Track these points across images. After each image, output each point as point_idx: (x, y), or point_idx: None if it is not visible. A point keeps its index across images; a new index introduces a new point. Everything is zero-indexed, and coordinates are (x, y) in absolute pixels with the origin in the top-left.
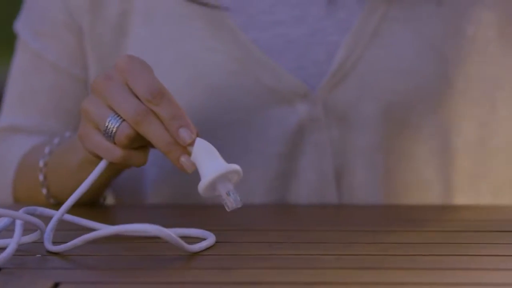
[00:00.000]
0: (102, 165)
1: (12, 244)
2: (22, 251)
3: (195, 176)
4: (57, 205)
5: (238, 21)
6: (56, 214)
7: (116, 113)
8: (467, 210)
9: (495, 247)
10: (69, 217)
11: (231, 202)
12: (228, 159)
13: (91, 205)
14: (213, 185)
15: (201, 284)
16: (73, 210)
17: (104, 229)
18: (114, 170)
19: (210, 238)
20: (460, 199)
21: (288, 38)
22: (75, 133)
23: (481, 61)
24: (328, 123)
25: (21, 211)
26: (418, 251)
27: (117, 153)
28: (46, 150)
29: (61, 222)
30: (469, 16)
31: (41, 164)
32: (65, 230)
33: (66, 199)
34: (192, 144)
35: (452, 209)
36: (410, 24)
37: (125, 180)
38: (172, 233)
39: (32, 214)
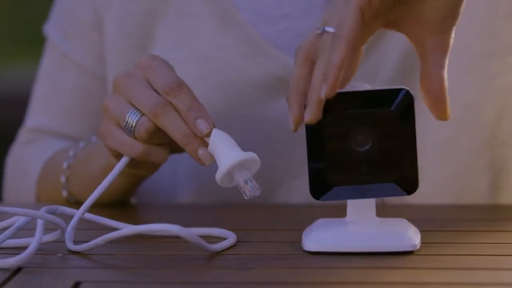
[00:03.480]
0: (123, 161)
1: (33, 243)
2: (43, 250)
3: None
4: (78, 205)
5: (247, 16)
6: (77, 213)
7: (136, 108)
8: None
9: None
10: (90, 216)
11: (249, 190)
12: (249, 150)
13: (112, 205)
14: (230, 174)
15: (222, 283)
16: (94, 209)
17: (126, 229)
18: (137, 177)
19: (231, 238)
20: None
21: (296, 32)
22: (94, 144)
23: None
24: None
25: (42, 210)
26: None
27: (137, 148)
28: (71, 152)
29: (82, 221)
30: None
31: (64, 166)
32: (86, 229)
33: (79, 200)
34: (209, 135)
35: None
36: None
37: (157, 179)
38: (193, 233)
39: (53, 213)
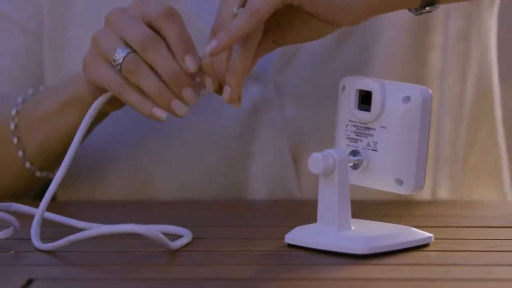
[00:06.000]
0: (107, 96)
1: None
2: None
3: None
4: (32, 202)
5: (191, 5)
6: (55, 179)
7: (126, 45)
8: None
9: None
10: (50, 216)
11: None
12: (184, 140)
13: (66, 203)
14: None
15: (180, 280)
16: (51, 207)
17: (94, 229)
18: (103, 113)
19: (187, 235)
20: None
21: None
22: (48, 86)
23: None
24: (282, 102)
25: None
26: None
27: (122, 83)
28: (19, 99)
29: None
30: None
31: (13, 112)
32: (45, 227)
33: (35, 151)
34: (195, 74)
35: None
36: None
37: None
38: (158, 232)
39: (7, 211)
